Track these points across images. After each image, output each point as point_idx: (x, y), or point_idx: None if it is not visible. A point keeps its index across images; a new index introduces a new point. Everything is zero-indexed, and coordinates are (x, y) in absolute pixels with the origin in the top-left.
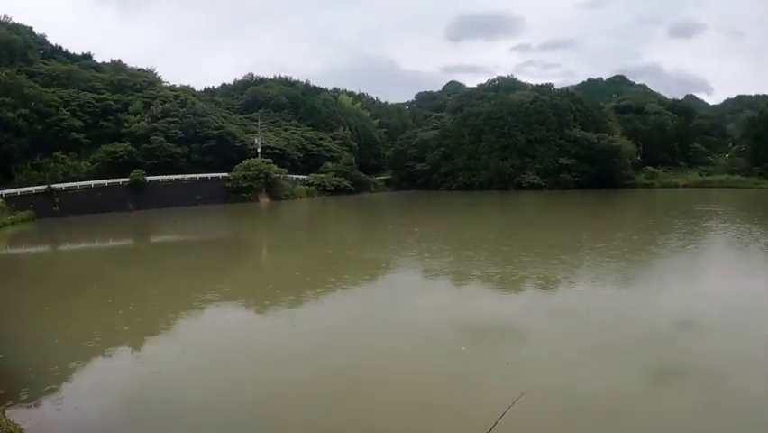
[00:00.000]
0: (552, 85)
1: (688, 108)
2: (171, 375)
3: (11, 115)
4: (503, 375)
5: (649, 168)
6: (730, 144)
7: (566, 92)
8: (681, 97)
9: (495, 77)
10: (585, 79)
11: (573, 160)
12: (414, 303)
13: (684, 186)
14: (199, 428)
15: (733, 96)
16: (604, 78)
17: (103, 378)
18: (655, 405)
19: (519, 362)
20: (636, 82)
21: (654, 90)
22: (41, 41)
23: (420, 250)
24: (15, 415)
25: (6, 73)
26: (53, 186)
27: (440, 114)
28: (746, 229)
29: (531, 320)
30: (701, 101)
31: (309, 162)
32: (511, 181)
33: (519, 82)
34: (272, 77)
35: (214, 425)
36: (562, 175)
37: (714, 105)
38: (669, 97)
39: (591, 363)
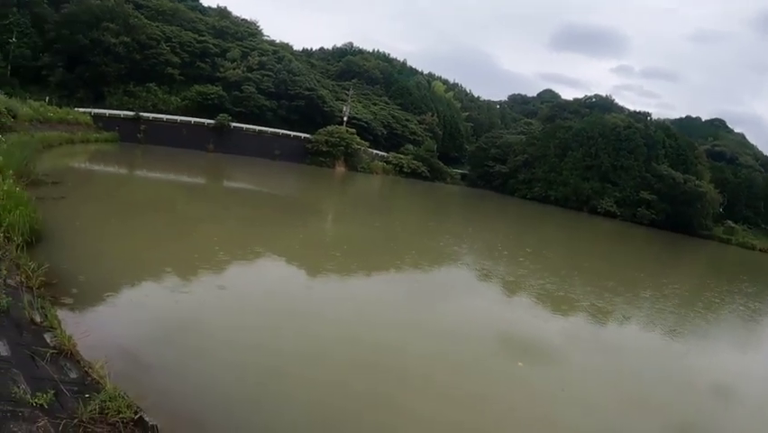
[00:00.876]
0: (648, 114)
1: None
2: (214, 314)
3: (113, 40)
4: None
5: (729, 222)
6: None
7: (661, 125)
8: None
9: (592, 93)
10: (683, 116)
11: (654, 196)
12: (472, 305)
13: (761, 250)
14: (226, 366)
15: None
16: (703, 119)
17: (151, 305)
18: None
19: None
20: (736, 130)
21: (752, 142)
22: None
23: (485, 253)
24: (70, 325)
25: (115, 0)
26: (141, 114)
27: (530, 120)
28: None
29: (571, 349)
30: None
31: (391, 140)
32: (587, 203)
33: (616, 104)
34: (371, 50)
35: (241, 367)
36: (639, 209)
37: None
38: (766, 153)
39: (626, 411)
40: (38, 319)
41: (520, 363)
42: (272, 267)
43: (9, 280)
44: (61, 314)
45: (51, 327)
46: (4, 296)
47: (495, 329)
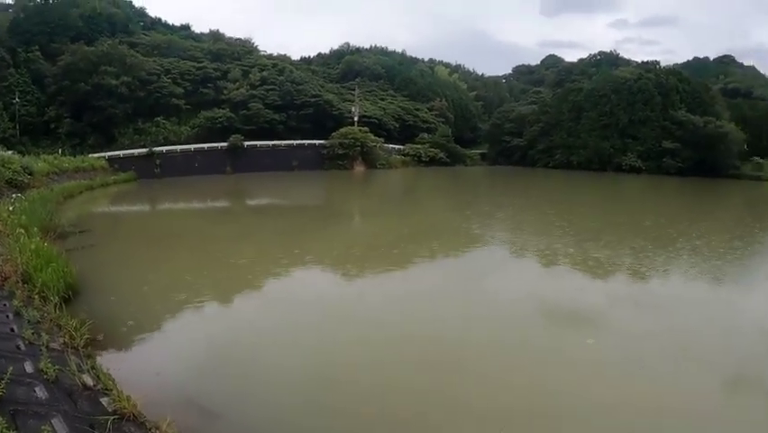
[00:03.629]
0: (657, 62)
1: None
2: (255, 334)
3: (114, 82)
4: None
5: (756, 158)
6: None
7: (672, 70)
8: None
9: (596, 51)
10: (690, 58)
11: (677, 144)
12: (527, 284)
13: None
14: (276, 388)
15: None
16: (711, 58)
17: (205, 343)
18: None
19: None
20: (745, 63)
21: (763, 73)
22: (141, 13)
23: (523, 231)
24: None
25: (109, 44)
26: (154, 149)
27: (538, 88)
28: None
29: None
30: None
31: (405, 133)
32: (610, 162)
33: (622, 58)
34: (368, 47)
35: (288, 384)
36: (664, 159)
37: None
38: None
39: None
40: (90, 383)
41: (590, 340)
42: (316, 277)
43: (52, 344)
44: (114, 372)
45: (107, 390)
46: (50, 364)
47: (554, 305)
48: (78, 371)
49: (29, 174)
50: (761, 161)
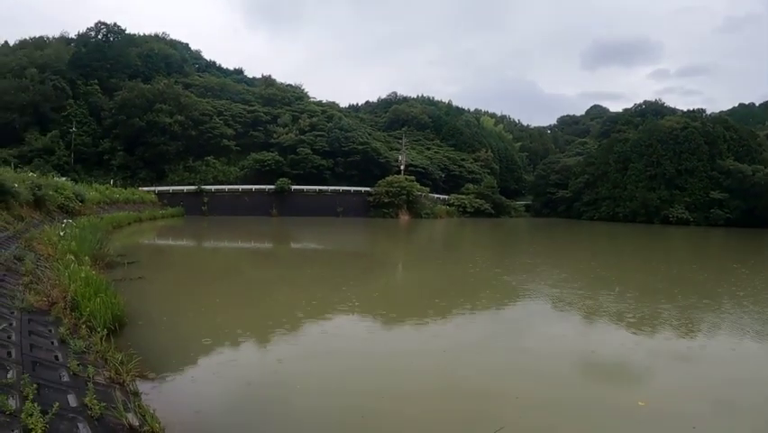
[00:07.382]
0: (703, 110)
1: None
2: (291, 377)
3: (167, 120)
4: None
5: None
6: None
7: (719, 118)
8: None
9: (641, 101)
10: (735, 105)
11: (725, 194)
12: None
13: None
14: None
15: None
16: (756, 104)
17: (257, 384)
18: None
19: None
20: None
21: None
22: (197, 56)
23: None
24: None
25: (164, 83)
26: (203, 187)
27: (583, 139)
28: None
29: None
30: None
31: (450, 182)
32: (657, 214)
33: (667, 107)
34: (415, 96)
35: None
36: (712, 210)
37: None
38: None
39: None
40: (136, 423)
41: (641, 403)
42: (348, 327)
43: (97, 378)
44: (161, 412)
45: None
46: (95, 400)
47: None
48: (125, 409)
49: (80, 201)
50: None
